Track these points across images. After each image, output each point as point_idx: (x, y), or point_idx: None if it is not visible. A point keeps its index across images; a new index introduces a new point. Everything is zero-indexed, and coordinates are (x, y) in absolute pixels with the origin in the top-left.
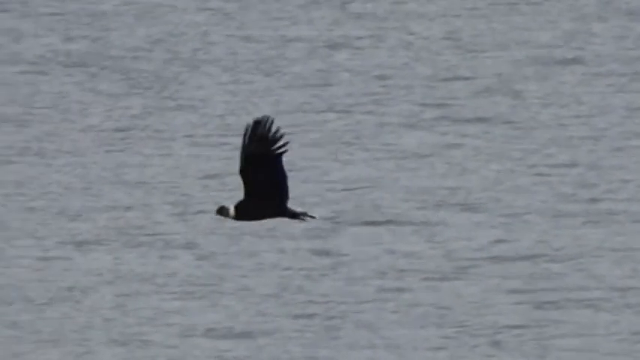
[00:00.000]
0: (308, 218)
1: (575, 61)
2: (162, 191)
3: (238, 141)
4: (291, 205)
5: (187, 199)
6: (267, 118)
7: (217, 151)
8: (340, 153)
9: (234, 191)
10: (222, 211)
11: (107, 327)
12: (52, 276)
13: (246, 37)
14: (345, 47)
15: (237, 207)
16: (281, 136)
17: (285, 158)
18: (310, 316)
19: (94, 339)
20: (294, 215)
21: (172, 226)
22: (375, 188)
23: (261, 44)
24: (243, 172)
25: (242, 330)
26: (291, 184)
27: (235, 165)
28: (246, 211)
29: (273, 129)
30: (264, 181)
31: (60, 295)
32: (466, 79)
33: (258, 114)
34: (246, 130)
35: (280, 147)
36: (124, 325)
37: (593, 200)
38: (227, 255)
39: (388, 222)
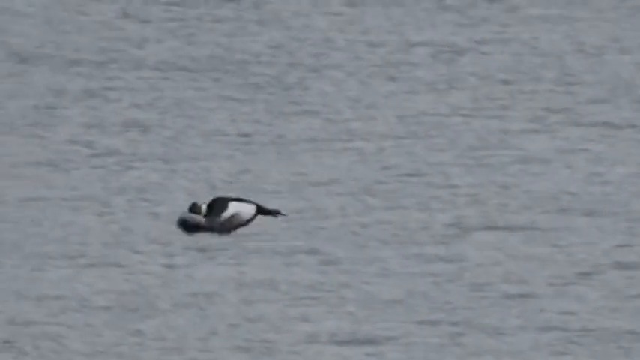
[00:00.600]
0: (279, 215)
1: None
2: (284, 197)
3: (362, 146)
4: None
5: (309, 205)
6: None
7: (340, 156)
8: (464, 158)
9: (355, 196)
10: (194, 208)
11: (231, 333)
12: (176, 283)
13: (369, 41)
14: (469, 51)
15: (209, 205)
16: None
17: (409, 164)
18: (434, 322)
19: (218, 345)
20: (266, 212)
21: (295, 233)
22: (499, 193)
23: (385, 49)
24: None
25: (366, 336)
26: (415, 189)
27: (356, 171)
28: (218, 208)
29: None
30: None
31: (184, 302)
32: (590, 83)
33: (381, 119)
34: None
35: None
36: (247, 331)
37: None
38: (351, 261)
39: (512, 227)
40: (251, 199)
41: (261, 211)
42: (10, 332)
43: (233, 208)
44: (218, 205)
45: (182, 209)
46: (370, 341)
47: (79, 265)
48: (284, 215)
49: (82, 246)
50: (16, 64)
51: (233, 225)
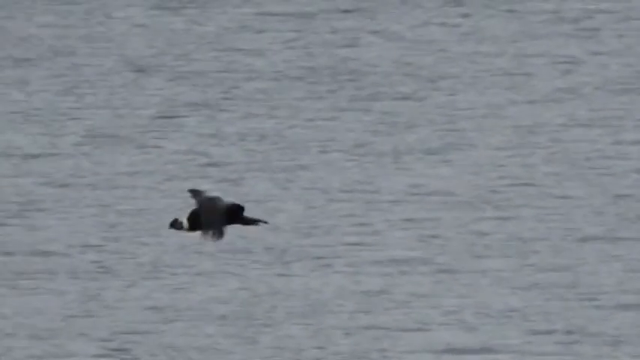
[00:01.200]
0: (262, 224)
1: None
2: (400, 207)
3: (478, 155)
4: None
5: (425, 215)
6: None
7: (455, 166)
8: (580, 168)
9: (470, 205)
10: (175, 224)
11: (347, 343)
12: (292, 292)
13: (485, 52)
14: (585, 62)
15: (189, 218)
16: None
17: (525, 173)
18: (549, 332)
19: (333, 355)
20: (249, 222)
21: (410, 242)
22: (615, 203)
23: (501, 59)
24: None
25: (481, 346)
26: (531, 199)
27: (472, 180)
28: (199, 220)
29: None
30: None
31: (300, 311)
32: None
33: (497, 129)
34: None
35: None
36: (363, 340)
37: None
38: (466, 270)
39: (628, 237)
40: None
41: (241, 215)
42: (126, 341)
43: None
44: (207, 203)
45: (298, 218)
46: (486, 351)
47: (196, 273)
48: (266, 223)
49: (198, 255)
50: (132, 75)
51: (215, 206)
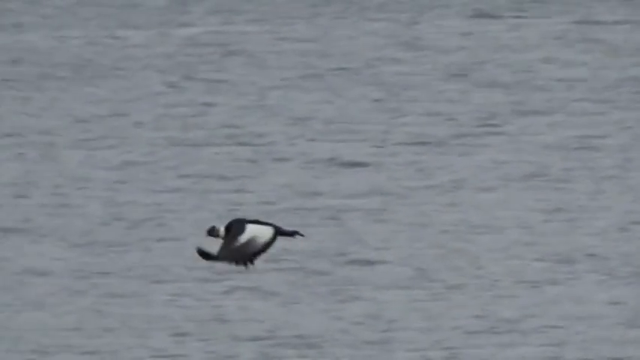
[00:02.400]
0: (298, 236)
1: None
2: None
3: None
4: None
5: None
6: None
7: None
8: None
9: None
10: (212, 231)
11: None
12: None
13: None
14: None
15: (227, 227)
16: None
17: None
18: None
19: None
20: (286, 233)
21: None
22: None
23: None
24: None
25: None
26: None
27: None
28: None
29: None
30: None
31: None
32: None
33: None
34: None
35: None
36: None
37: None
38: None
39: None
40: (269, 222)
41: (280, 232)
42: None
43: (250, 231)
44: (235, 228)
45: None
46: None
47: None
48: (302, 236)
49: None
50: (452, 81)
51: (250, 250)
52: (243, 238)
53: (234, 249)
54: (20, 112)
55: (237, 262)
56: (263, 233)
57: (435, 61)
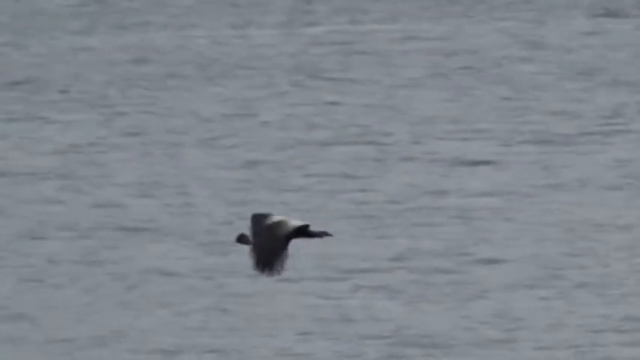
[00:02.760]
0: (325, 236)
1: None
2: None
3: None
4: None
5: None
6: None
7: None
8: None
9: None
10: (241, 238)
11: None
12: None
13: None
14: None
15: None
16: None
17: None
18: None
19: None
20: (314, 234)
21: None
22: None
23: None
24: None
25: None
26: None
27: None
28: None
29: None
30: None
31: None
32: None
33: None
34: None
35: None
36: None
37: None
38: None
39: None
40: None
41: (306, 232)
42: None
43: (275, 218)
44: (258, 219)
45: None
46: None
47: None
48: (330, 236)
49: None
50: (577, 80)
51: (282, 231)
52: (273, 219)
53: (267, 227)
54: (146, 111)
55: (268, 253)
56: (291, 220)
57: (561, 60)
